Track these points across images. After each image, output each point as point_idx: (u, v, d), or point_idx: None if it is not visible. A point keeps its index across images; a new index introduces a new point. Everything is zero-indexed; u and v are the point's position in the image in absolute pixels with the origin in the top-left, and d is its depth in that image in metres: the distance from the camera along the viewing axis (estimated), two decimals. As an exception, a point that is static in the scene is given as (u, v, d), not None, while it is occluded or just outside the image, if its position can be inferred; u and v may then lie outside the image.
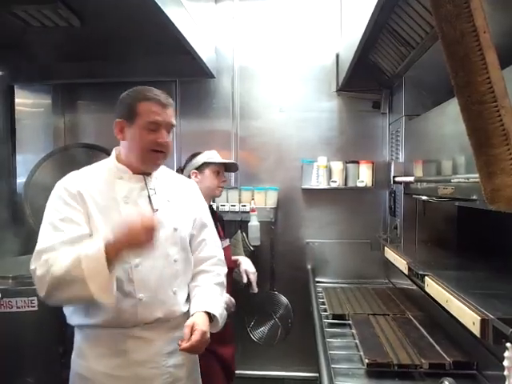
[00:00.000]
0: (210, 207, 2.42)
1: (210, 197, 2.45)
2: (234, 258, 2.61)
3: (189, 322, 1.54)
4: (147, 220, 1.41)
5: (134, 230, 1.39)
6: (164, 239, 1.62)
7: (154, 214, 1.58)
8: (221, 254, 1.87)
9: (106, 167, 1.66)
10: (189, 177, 2.34)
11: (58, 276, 1.39)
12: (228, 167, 2.56)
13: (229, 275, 2.28)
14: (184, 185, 1.84)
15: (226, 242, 2.51)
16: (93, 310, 1.53)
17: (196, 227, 1.78)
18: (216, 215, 2.45)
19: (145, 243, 1.42)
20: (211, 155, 2.45)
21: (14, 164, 3.36)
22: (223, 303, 1.75)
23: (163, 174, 1.76)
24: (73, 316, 1.61)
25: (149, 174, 1.67)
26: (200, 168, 2.39)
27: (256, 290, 2.56)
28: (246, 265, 2.59)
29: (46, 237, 1.50)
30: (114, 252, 1.40)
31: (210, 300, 1.67)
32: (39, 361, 1.63)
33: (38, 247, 1.48)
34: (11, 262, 2.66)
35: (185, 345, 1.47)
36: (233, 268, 2.50)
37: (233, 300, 2.24)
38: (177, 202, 1.72)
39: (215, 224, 2.27)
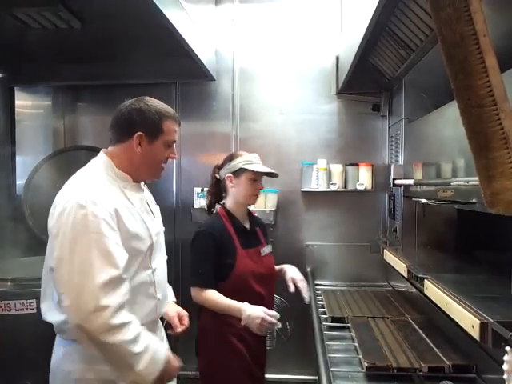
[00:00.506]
0: (249, 212, 2.36)
1: (244, 204, 2.27)
2: (278, 267, 2.39)
3: (173, 313, 1.92)
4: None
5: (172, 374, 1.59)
6: (162, 242, 1.81)
7: (155, 219, 1.77)
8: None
9: (105, 174, 1.60)
10: (224, 179, 2.25)
11: (118, 344, 1.39)
12: (269, 173, 2.29)
13: (273, 284, 2.31)
14: (147, 191, 1.88)
15: (268, 249, 2.32)
16: None
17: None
18: (251, 220, 2.34)
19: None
20: (250, 160, 2.22)
21: (13, 165, 3.36)
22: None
23: None
24: None
25: (144, 183, 1.79)
26: (236, 173, 2.21)
27: (308, 299, 2.26)
28: (292, 272, 2.34)
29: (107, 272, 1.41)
30: (162, 369, 1.49)
31: (169, 290, 1.99)
32: (38, 363, 1.62)
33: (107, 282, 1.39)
34: (10, 264, 2.66)
35: (180, 329, 1.88)
36: (276, 276, 2.37)
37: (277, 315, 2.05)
38: (156, 207, 1.86)
39: (253, 230, 2.29)
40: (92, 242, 1.39)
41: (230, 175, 2.22)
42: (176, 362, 1.60)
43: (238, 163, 2.21)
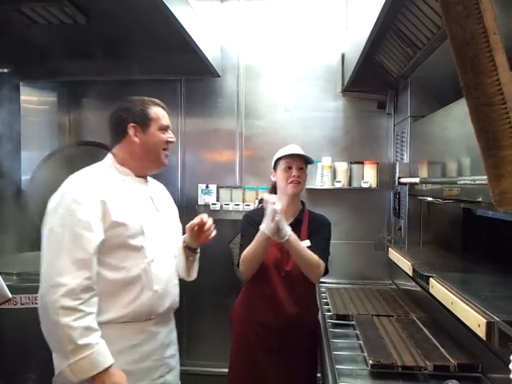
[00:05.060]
0: (301, 207, 2.32)
1: (285, 194, 2.24)
2: None
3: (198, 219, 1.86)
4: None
5: None
6: (167, 237, 1.84)
7: (157, 213, 1.80)
8: None
9: (107, 169, 1.73)
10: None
11: (63, 324, 1.42)
12: (304, 160, 2.27)
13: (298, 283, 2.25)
14: (162, 189, 2.02)
15: (305, 243, 2.21)
16: (105, 307, 1.59)
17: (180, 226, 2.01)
18: (298, 215, 2.29)
19: None
20: (282, 151, 2.27)
21: (18, 161, 3.37)
22: None
23: (149, 179, 1.91)
24: None
25: (146, 178, 1.84)
26: (274, 166, 2.30)
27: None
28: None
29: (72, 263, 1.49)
30: (100, 378, 1.47)
31: None
32: (43, 357, 1.62)
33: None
34: (15, 259, 2.67)
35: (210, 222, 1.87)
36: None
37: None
38: (167, 204, 1.94)
39: (294, 223, 2.22)
40: (67, 224, 1.52)
41: (272, 170, 2.33)
42: (120, 379, 1.52)
43: (275, 157, 2.31)
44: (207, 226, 1.86)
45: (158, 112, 1.77)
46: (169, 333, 1.84)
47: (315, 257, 2.09)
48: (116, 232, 1.59)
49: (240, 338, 2.28)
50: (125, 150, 1.75)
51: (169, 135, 1.79)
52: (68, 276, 1.45)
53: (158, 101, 1.83)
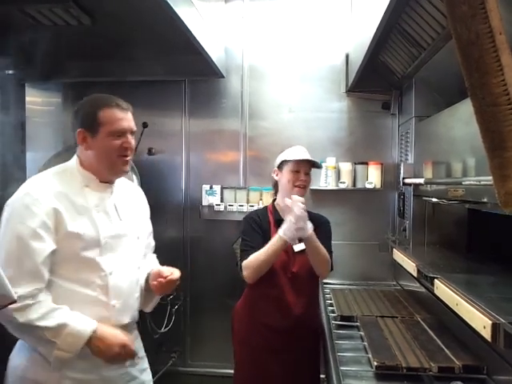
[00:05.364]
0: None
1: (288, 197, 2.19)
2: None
3: (168, 272, 1.69)
4: (128, 349, 1.54)
5: (115, 352, 1.51)
6: (130, 248, 1.69)
7: (120, 223, 1.66)
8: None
9: (70, 174, 1.62)
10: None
11: (36, 325, 1.41)
12: (312, 165, 2.28)
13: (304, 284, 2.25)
14: (133, 192, 1.87)
15: (301, 246, 2.22)
16: None
17: (146, 234, 1.87)
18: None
19: (115, 361, 1.55)
20: (291, 152, 2.26)
21: (24, 162, 3.38)
22: None
23: (118, 182, 1.76)
24: None
25: (112, 183, 1.70)
26: (280, 166, 2.27)
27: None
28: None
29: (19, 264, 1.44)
30: (93, 343, 1.48)
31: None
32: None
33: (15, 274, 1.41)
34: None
35: (171, 277, 1.66)
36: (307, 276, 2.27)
37: None
38: (135, 210, 1.79)
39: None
40: (16, 232, 1.45)
41: (276, 169, 2.30)
42: (114, 338, 1.51)
43: (281, 157, 2.29)
44: (166, 280, 1.68)
45: (111, 115, 1.57)
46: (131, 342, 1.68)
47: (327, 253, 2.14)
48: (70, 243, 1.50)
49: (244, 340, 2.27)
50: (82, 154, 1.63)
51: (124, 140, 1.59)
52: (17, 288, 1.35)
53: (115, 101, 1.61)
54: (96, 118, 1.56)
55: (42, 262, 1.44)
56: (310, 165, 2.26)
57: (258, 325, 2.20)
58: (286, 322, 2.16)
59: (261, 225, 2.21)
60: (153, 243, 1.95)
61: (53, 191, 1.52)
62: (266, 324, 2.18)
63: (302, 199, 2.02)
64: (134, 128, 1.65)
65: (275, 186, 2.36)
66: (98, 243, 1.55)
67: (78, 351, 1.46)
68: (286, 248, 2.12)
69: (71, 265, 1.52)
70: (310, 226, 2.01)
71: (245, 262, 2.10)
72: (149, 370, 1.80)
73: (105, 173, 1.63)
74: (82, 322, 1.48)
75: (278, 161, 2.30)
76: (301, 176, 2.22)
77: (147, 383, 1.78)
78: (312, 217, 2.28)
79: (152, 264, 1.86)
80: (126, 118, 1.61)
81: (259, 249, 2.09)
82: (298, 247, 2.20)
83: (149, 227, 1.90)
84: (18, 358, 1.57)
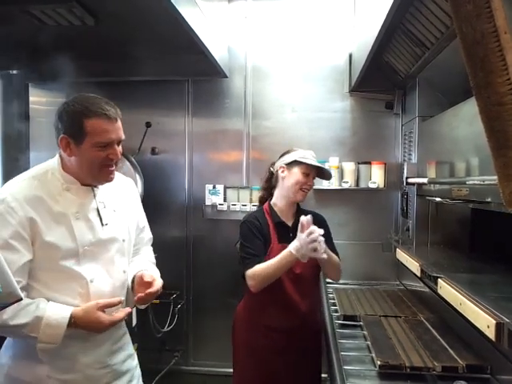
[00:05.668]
0: (297, 210, 2.27)
1: (291, 198, 2.23)
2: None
3: (149, 278, 1.61)
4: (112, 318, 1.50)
5: (99, 323, 1.48)
6: (115, 252, 1.62)
7: (102, 228, 1.58)
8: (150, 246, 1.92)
9: (51, 175, 1.55)
10: (277, 171, 2.26)
11: (11, 325, 1.39)
12: (320, 173, 2.28)
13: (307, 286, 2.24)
14: (123, 186, 1.77)
15: None
16: None
17: (137, 231, 1.80)
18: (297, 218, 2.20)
19: (103, 330, 1.52)
20: (305, 155, 2.21)
21: (27, 162, 3.39)
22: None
23: None
24: None
25: (96, 186, 1.61)
26: (290, 164, 2.20)
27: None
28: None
29: None
30: (74, 326, 1.46)
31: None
32: None
33: None
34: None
35: (150, 290, 1.56)
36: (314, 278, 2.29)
37: None
38: (122, 209, 1.69)
39: (296, 226, 2.15)
40: None
41: (284, 166, 2.23)
42: (93, 315, 1.46)
43: (293, 155, 2.22)
44: (144, 294, 1.58)
45: (98, 126, 1.46)
46: (117, 340, 1.67)
47: (337, 258, 2.15)
48: (47, 253, 1.45)
49: (246, 342, 2.25)
50: (65, 157, 1.55)
51: (110, 152, 1.50)
52: None
53: (104, 108, 1.49)
54: (82, 127, 1.45)
55: (14, 272, 1.32)
56: (316, 171, 2.24)
57: (261, 327, 2.19)
58: (291, 322, 2.16)
59: (261, 229, 2.16)
60: (147, 236, 1.89)
61: (30, 197, 1.45)
62: (270, 326, 2.17)
63: (313, 226, 1.94)
64: (122, 137, 1.55)
65: (269, 182, 2.33)
66: (76, 253, 1.50)
67: (60, 340, 1.43)
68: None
69: (50, 273, 1.48)
70: (323, 246, 1.93)
71: (250, 272, 2.05)
72: (125, 362, 1.70)
73: (87, 180, 1.56)
74: (56, 312, 1.44)
75: (287, 159, 2.23)
76: (310, 180, 2.20)
77: (132, 371, 1.73)
78: (307, 214, 2.28)
79: (142, 261, 1.80)
80: (114, 129, 1.50)
81: (262, 256, 2.07)
82: None
83: (141, 221, 1.83)
84: (3, 357, 1.57)
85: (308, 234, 1.90)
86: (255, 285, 2.05)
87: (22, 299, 1.18)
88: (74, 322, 1.45)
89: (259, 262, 2.05)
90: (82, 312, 1.47)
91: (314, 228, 1.91)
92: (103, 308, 1.49)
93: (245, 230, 2.18)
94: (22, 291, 1.37)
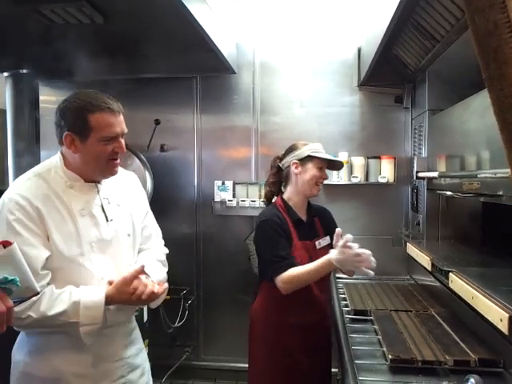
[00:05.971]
0: (308, 204, 2.26)
1: (305, 193, 2.19)
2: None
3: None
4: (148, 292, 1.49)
5: (137, 294, 1.47)
6: (121, 246, 1.63)
7: (107, 224, 1.58)
8: (161, 241, 1.88)
9: (54, 173, 1.55)
10: (288, 167, 2.20)
11: (50, 315, 1.40)
12: (332, 165, 2.26)
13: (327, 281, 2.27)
14: (126, 180, 1.77)
15: (325, 241, 2.19)
16: None
17: (144, 221, 1.79)
18: (309, 212, 2.25)
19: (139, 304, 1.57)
20: (317, 149, 2.17)
21: (38, 160, 3.41)
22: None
23: None
24: None
25: (99, 182, 1.61)
26: (303, 160, 2.15)
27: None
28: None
29: None
30: (112, 303, 1.48)
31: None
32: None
33: None
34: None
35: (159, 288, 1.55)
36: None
37: None
38: (126, 204, 1.69)
39: (310, 221, 2.22)
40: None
41: (297, 162, 2.16)
42: (123, 295, 1.47)
43: (305, 151, 2.16)
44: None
45: (102, 120, 1.47)
46: (128, 334, 1.68)
47: None
48: (56, 250, 1.46)
49: (267, 340, 2.18)
50: (68, 154, 1.55)
51: (115, 145, 1.51)
52: None
53: (106, 102, 1.49)
54: (86, 123, 1.45)
55: (40, 266, 1.40)
56: (328, 162, 2.21)
57: (283, 324, 2.13)
58: (313, 317, 2.15)
59: (284, 229, 2.09)
60: (155, 232, 1.85)
61: (38, 195, 1.46)
62: (293, 323, 2.12)
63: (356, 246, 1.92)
64: (125, 130, 1.55)
65: (278, 178, 2.28)
66: (83, 250, 1.50)
67: (101, 320, 1.45)
68: (309, 245, 2.12)
69: (60, 271, 1.48)
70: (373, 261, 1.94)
71: (283, 277, 1.97)
72: (139, 355, 1.72)
73: (92, 175, 1.57)
74: (91, 293, 1.46)
75: (299, 154, 2.16)
76: (324, 173, 2.18)
77: (143, 365, 1.74)
78: (318, 210, 2.30)
79: (149, 258, 1.75)
80: (118, 122, 1.51)
81: (291, 257, 2.01)
82: (321, 244, 2.18)
83: (147, 218, 1.80)
84: (18, 354, 1.57)
85: (356, 255, 1.88)
86: (288, 289, 1.99)
87: (38, 293, 1.19)
88: (110, 301, 1.47)
89: (290, 265, 1.99)
90: (114, 290, 1.48)
91: (354, 245, 1.90)
92: (132, 280, 1.48)
93: (268, 230, 2.08)
94: (49, 283, 1.44)
